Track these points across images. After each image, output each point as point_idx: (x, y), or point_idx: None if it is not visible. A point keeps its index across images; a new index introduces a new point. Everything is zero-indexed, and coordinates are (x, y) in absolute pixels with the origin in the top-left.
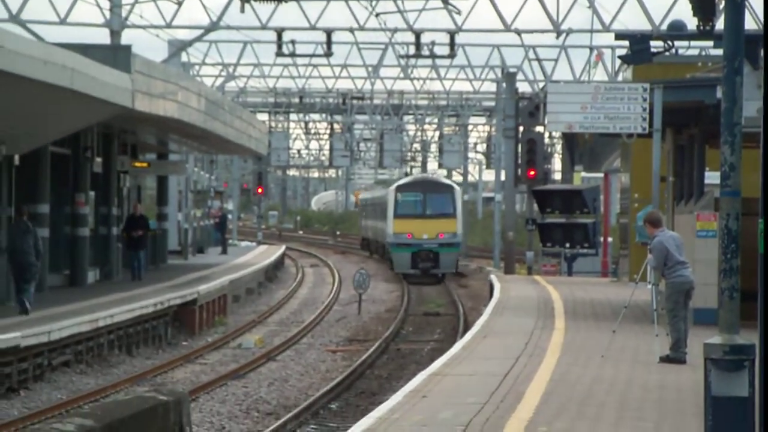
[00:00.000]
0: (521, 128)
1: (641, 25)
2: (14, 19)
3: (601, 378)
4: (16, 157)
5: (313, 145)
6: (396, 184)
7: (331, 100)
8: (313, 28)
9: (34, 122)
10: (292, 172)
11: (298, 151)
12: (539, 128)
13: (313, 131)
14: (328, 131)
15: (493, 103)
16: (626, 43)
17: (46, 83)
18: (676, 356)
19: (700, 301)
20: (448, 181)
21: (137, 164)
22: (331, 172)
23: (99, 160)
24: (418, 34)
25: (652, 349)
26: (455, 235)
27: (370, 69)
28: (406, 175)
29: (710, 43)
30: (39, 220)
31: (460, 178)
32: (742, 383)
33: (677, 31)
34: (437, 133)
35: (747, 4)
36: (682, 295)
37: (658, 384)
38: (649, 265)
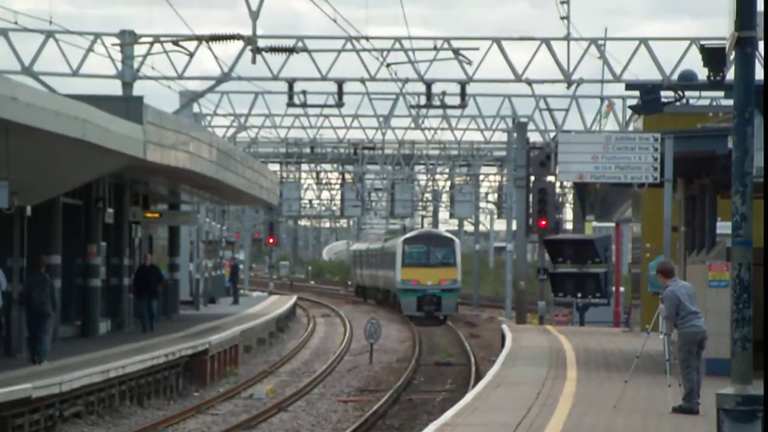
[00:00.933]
0: (532, 178)
1: (652, 75)
2: (26, 70)
3: (614, 428)
4: (28, 208)
5: (325, 195)
6: (403, 237)
7: (342, 150)
8: (324, 78)
9: (47, 173)
10: (303, 222)
11: (310, 201)
12: (550, 178)
13: (324, 181)
14: (339, 181)
15: (504, 153)
16: (637, 93)
17: (59, 134)
18: (688, 406)
19: (713, 351)
20: (449, 235)
21: (149, 215)
22: (343, 222)
23: (110, 210)
24: (428, 85)
25: (664, 400)
26: (455, 282)
27: (381, 119)
28: (404, 228)
29: (721, 93)
30: (52, 271)
31: (471, 228)
32: None
33: (688, 81)
34: (448, 183)
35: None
36: (694, 345)
37: None
38: (660, 315)
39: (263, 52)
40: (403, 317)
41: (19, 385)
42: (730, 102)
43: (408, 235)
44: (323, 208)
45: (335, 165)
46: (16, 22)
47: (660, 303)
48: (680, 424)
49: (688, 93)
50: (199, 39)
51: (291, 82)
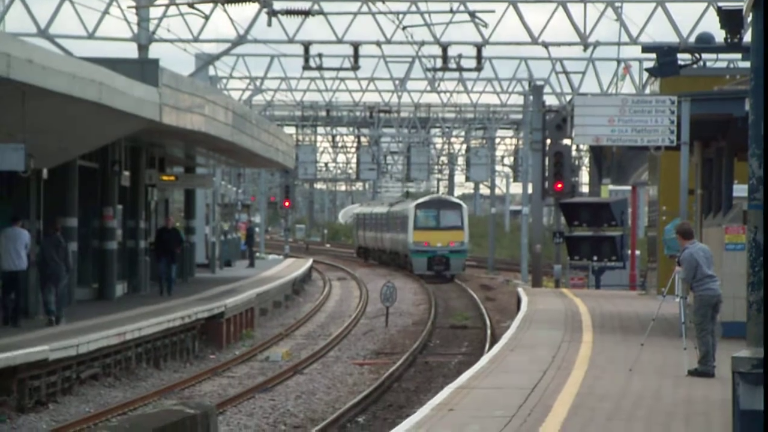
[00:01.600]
0: (548, 141)
1: (669, 37)
2: (42, 33)
3: (629, 391)
4: (45, 171)
5: (341, 158)
6: (415, 203)
7: (358, 113)
8: (340, 41)
9: (63, 136)
10: (319, 186)
11: (326, 164)
12: (566, 141)
13: (340, 144)
14: (355, 144)
15: (520, 116)
16: (653, 55)
17: (75, 97)
18: (704, 369)
19: (729, 314)
20: (457, 200)
21: (165, 178)
22: (358, 185)
23: (127, 173)
24: (445, 48)
25: (680, 363)
26: (463, 244)
27: (397, 82)
28: (407, 194)
29: (738, 55)
30: (67, 234)
31: (487, 191)
32: None
33: (705, 43)
34: (464, 146)
35: None
36: (709, 309)
37: (686, 398)
38: (677, 277)
39: (279, 15)
40: (418, 280)
41: (36, 347)
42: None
43: (419, 200)
44: (339, 171)
45: (351, 128)
46: None
47: (676, 266)
48: (695, 387)
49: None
50: (215, 1)
51: (307, 45)
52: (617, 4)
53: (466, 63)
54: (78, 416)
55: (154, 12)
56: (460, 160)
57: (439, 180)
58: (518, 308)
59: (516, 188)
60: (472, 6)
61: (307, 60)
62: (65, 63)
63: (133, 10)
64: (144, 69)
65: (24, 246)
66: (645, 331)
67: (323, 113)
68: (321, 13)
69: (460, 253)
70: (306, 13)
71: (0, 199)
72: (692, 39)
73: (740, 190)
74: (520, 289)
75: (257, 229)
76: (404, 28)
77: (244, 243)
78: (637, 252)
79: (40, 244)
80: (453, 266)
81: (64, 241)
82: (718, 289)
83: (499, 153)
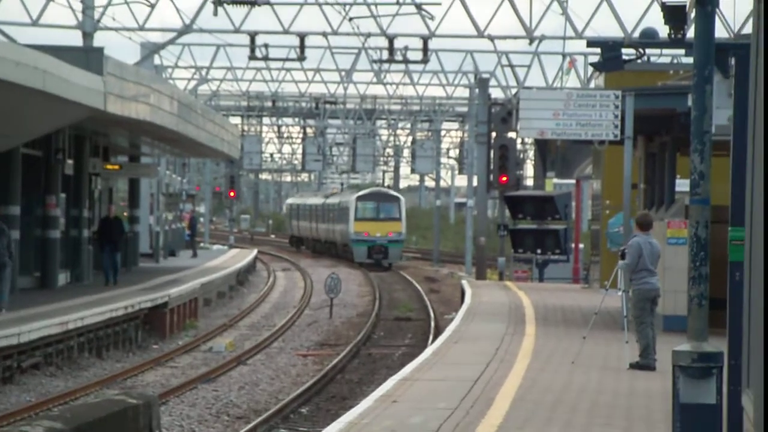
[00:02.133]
0: (494, 134)
1: (614, 32)
2: None
3: (571, 384)
4: None
5: (286, 149)
6: (356, 195)
7: (303, 104)
8: (286, 32)
9: (6, 124)
10: (264, 176)
11: (271, 155)
12: (512, 134)
13: (285, 135)
14: (300, 135)
15: (465, 109)
16: (598, 50)
17: (18, 84)
18: (645, 363)
19: (670, 308)
20: (395, 193)
21: (109, 167)
22: (304, 176)
23: (70, 162)
24: (391, 39)
25: (622, 356)
26: (400, 234)
27: (343, 73)
28: (343, 186)
29: (682, 51)
30: (10, 222)
31: (432, 183)
32: (710, 391)
33: (649, 38)
34: (410, 138)
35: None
36: (648, 303)
37: (627, 390)
38: (620, 271)
39: (225, 4)
40: (363, 272)
41: None
42: (691, 60)
43: (360, 193)
44: (284, 161)
45: (297, 119)
46: None
47: (619, 259)
48: (637, 380)
49: (649, 50)
50: None
51: (253, 35)
52: None
53: (412, 55)
54: (19, 405)
55: (99, 0)
56: (406, 152)
57: (384, 172)
58: (462, 301)
59: (461, 181)
60: None
61: (253, 50)
62: (9, 50)
63: None
64: (89, 57)
65: None
66: (588, 325)
67: (269, 104)
68: (267, 3)
69: (398, 243)
70: (252, 3)
71: None
72: (637, 34)
73: (682, 184)
74: (464, 282)
75: (201, 219)
76: (350, 19)
77: (188, 233)
78: (581, 245)
79: None
80: (391, 255)
81: (7, 229)
82: (657, 284)
83: (444, 145)
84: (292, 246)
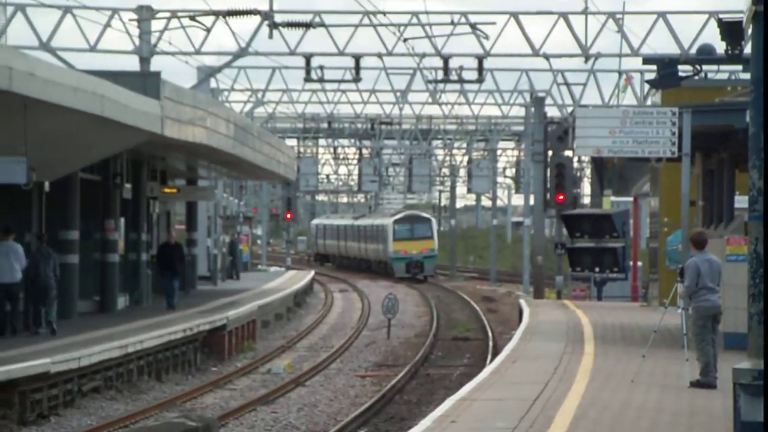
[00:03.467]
0: (550, 152)
1: (670, 49)
2: (44, 46)
3: (631, 403)
4: (47, 184)
5: (342, 170)
6: (392, 219)
7: (359, 125)
8: (341, 53)
9: (65, 149)
10: (320, 197)
11: (327, 176)
12: (568, 152)
13: (341, 156)
14: (356, 156)
15: (521, 128)
16: (654, 67)
17: (77, 110)
18: (706, 381)
19: (731, 325)
20: (427, 215)
21: (166, 190)
22: (360, 197)
23: (128, 186)
24: (446, 59)
25: (682, 374)
26: (433, 251)
27: (398, 94)
28: (370, 208)
29: (739, 67)
30: (69, 247)
31: (489, 203)
32: None
33: (706, 55)
34: (466, 158)
35: None
36: (708, 320)
37: (688, 409)
38: (679, 287)
39: (280, 27)
40: (421, 292)
41: (37, 360)
42: (748, 76)
43: (396, 216)
44: (340, 183)
45: (352, 140)
46: None
47: (678, 277)
48: (697, 398)
49: (706, 67)
50: (216, 14)
51: (308, 57)
52: (618, 16)
53: (467, 75)
54: (80, 429)
55: (156, 25)
56: (462, 172)
57: (440, 191)
58: (520, 320)
59: (518, 200)
60: (473, 18)
61: (308, 72)
62: (67, 76)
63: (135, 23)
64: (146, 82)
65: (16, 259)
66: (647, 343)
67: (325, 125)
68: (322, 25)
69: (432, 258)
70: (307, 26)
71: None
72: (693, 50)
73: (741, 201)
74: (521, 301)
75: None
76: (405, 40)
77: (229, 258)
78: (639, 263)
79: (30, 257)
80: (426, 269)
81: (53, 254)
82: (718, 301)
83: (500, 164)
84: (316, 262)
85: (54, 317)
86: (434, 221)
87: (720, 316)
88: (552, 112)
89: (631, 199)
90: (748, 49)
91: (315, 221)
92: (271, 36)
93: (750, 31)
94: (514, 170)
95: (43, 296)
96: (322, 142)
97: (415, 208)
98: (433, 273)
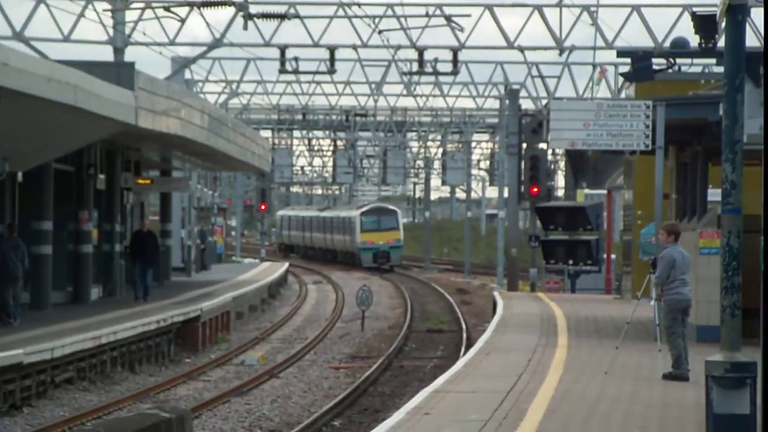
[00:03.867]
0: (524, 145)
1: (644, 42)
2: (18, 36)
3: (605, 395)
4: (20, 174)
5: (317, 161)
6: (360, 211)
7: (334, 116)
8: (316, 45)
9: (38, 139)
10: (295, 189)
11: (302, 167)
12: (542, 145)
13: (316, 148)
14: (331, 148)
15: (496, 120)
16: (629, 60)
17: (50, 100)
18: (678, 373)
19: (704, 318)
20: (393, 207)
21: (140, 181)
22: (335, 189)
23: (102, 177)
24: (421, 51)
25: (654, 366)
26: (399, 241)
27: (373, 86)
28: (331, 202)
29: (713, 60)
30: (42, 237)
31: (463, 195)
32: (744, 401)
33: (680, 48)
34: (440, 150)
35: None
36: (679, 313)
37: (661, 401)
38: (652, 280)
39: (255, 18)
40: (395, 284)
41: (10, 351)
42: (722, 69)
43: (364, 209)
44: (315, 174)
45: (327, 131)
46: None
47: (650, 269)
48: (670, 390)
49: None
50: (191, 5)
51: (283, 49)
52: (593, 9)
53: (442, 67)
54: (53, 420)
55: (130, 15)
56: (437, 164)
57: (415, 184)
58: (494, 312)
59: (492, 192)
60: (448, 10)
61: (283, 63)
62: (40, 66)
63: (109, 14)
64: (120, 72)
65: None
66: (620, 335)
67: (299, 117)
68: (297, 16)
69: (398, 249)
70: (282, 17)
71: None
72: (667, 44)
73: (714, 194)
74: (495, 293)
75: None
76: (380, 32)
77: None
78: (613, 256)
79: (0, 247)
80: (393, 258)
81: (22, 244)
82: (689, 294)
83: (475, 157)
84: (280, 252)
85: (19, 310)
86: (400, 213)
87: (689, 308)
88: (526, 104)
89: (605, 191)
90: (721, 43)
91: (280, 212)
92: (245, 27)
93: (723, 24)
94: (488, 162)
95: (12, 286)
96: (296, 133)
97: (389, 200)
98: (399, 262)
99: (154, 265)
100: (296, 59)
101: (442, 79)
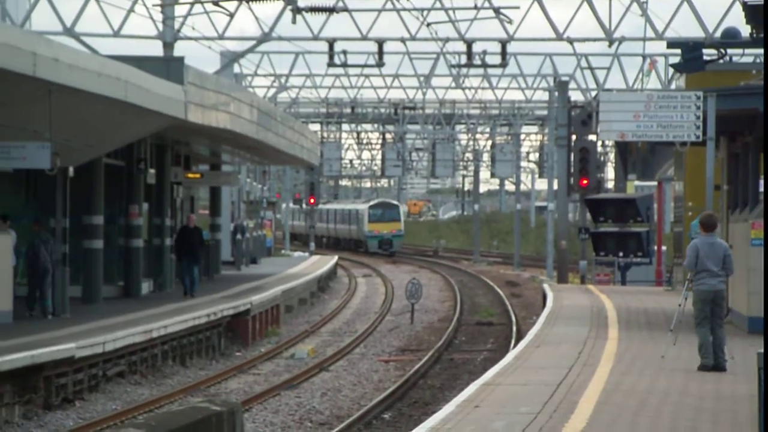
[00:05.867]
0: (574, 137)
1: (694, 32)
2: (68, 32)
3: (655, 387)
4: (71, 169)
5: (365, 155)
6: (368, 205)
7: (382, 110)
8: (364, 38)
9: (89, 134)
10: (344, 182)
11: (350, 161)
12: (592, 137)
13: (365, 141)
14: (379, 141)
15: (545, 112)
16: (679, 51)
17: (101, 95)
18: (703, 363)
19: (755, 309)
20: (395, 202)
21: (190, 175)
22: (383, 182)
23: (152, 171)
24: (469, 44)
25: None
26: (400, 231)
27: (421, 79)
28: (335, 196)
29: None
30: (93, 232)
31: (512, 187)
32: None
33: (731, 38)
34: (489, 143)
35: None
36: (707, 304)
37: (713, 393)
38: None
39: (303, 12)
40: (444, 277)
41: (62, 344)
42: None
43: (371, 203)
44: (364, 167)
45: (376, 125)
46: None
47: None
48: (722, 382)
49: (730, 50)
50: None
51: (331, 42)
52: (642, 0)
53: (490, 59)
54: (104, 414)
55: (179, 10)
56: (485, 157)
57: (464, 176)
58: (544, 305)
59: (541, 184)
60: (496, 2)
61: (331, 57)
62: (91, 61)
63: (159, 8)
64: (169, 67)
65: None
66: (671, 326)
67: (348, 110)
68: (345, 9)
69: (399, 237)
70: (330, 10)
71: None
72: (718, 34)
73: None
74: (545, 286)
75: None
76: (429, 24)
77: (233, 243)
78: (663, 248)
79: (31, 242)
80: (395, 245)
81: (51, 239)
82: (718, 285)
83: (524, 149)
84: (295, 240)
85: (49, 304)
86: (401, 207)
87: (721, 299)
88: (576, 96)
89: (655, 183)
90: None
91: (291, 206)
92: (294, 21)
93: None
94: (537, 155)
95: (41, 280)
96: (345, 127)
97: (438, 193)
98: (400, 248)
99: (201, 260)
100: (345, 52)
101: (490, 71)
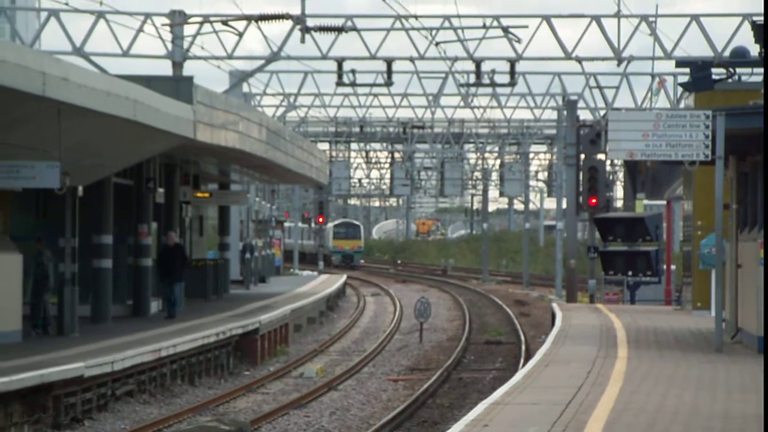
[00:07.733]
0: (582, 156)
1: (703, 52)
2: (77, 51)
3: (665, 406)
4: (80, 188)
5: (374, 174)
6: (332, 224)
7: (391, 129)
8: (373, 57)
9: (98, 153)
10: (353, 201)
11: (359, 180)
12: (601, 156)
13: (373, 160)
14: (388, 160)
15: (554, 131)
16: (688, 70)
17: (110, 115)
18: None
19: (755, 329)
20: (357, 222)
21: (199, 194)
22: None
23: (161, 190)
24: (478, 63)
25: (717, 378)
26: (360, 247)
27: (430, 98)
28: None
29: None
30: (103, 251)
31: (521, 206)
32: None
33: (740, 57)
34: (498, 162)
35: None
36: None
37: (722, 413)
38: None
39: (312, 32)
40: (453, 296)
41: (72, 364)
42: None
43: (335, 222)
44: (372, 187)
45: (384, 144)
46: (66, 3)
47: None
48: (732, 401)
49: (739, 70)
50: (248, 18)
51: (340, 61)
52: (651, 19)
53: (499, 78)
54: None
55: (188, 29)
56: (494, 176)
57: (473, 195)
58: (553, 323)
59: (550, 203)
60: (505, 21)
61: (340, 76)
62: (100, 81)
63: (167, 28)
64: (178, 86)
65: None
66: (680, 347)
67: (357, 129)
68: (354, 29)
69: (359, 253)
70: (339, 30)
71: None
72: (727, 53)
73: None
74: (554, 305)
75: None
76: (437, 43)
77: (242, 262)
78: (673, 267)
79: (35, 259)
80: (356, 260)
81: (50, 254)
82: None
83: (533, 168)
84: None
85: (49, 321)
86: (362, 226)
87: None
88: (584, 115)
89: (664, 202)
90: None
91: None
92: (303, 40)
93: None
94: (546, 174)
95: (39, 297)
96: (354, 146)
97: (447, 212)
98: (360, 263)
99: (182, 280)
100: (353, 72)
101: (499, 90)
